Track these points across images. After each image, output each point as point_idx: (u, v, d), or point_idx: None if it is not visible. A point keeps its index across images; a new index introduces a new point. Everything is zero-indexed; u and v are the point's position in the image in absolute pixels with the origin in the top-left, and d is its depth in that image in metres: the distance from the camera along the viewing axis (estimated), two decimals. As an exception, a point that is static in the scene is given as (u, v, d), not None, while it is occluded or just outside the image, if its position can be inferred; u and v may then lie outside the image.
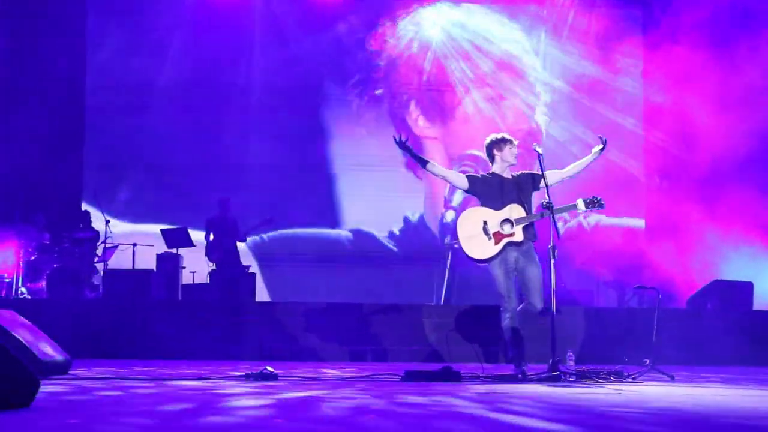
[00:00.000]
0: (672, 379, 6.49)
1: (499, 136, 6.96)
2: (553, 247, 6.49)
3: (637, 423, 3.76)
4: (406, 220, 13.59)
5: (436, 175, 7.06)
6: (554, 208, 6.64)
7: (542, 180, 6.74)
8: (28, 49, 12.39)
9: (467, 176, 7.00)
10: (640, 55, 13.85)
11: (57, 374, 6.10)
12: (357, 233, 13.49)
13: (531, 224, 6.74)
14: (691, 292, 11.15)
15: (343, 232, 13.51)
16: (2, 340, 3.89)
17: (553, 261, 6.47)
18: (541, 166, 6.68)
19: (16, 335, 5.82)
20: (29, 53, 12.32)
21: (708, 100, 12.54)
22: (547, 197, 6.56)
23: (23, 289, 10.96)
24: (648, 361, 6.79)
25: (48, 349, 6.23)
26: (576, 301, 10.41)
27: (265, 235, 12.80)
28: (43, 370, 5.69)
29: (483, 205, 6.85)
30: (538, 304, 6.68)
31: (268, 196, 13.07)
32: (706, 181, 12.74)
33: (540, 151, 6.69)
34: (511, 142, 6.89)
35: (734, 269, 11.83)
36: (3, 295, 10.59)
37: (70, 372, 6.33)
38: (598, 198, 6.78)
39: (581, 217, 12.70)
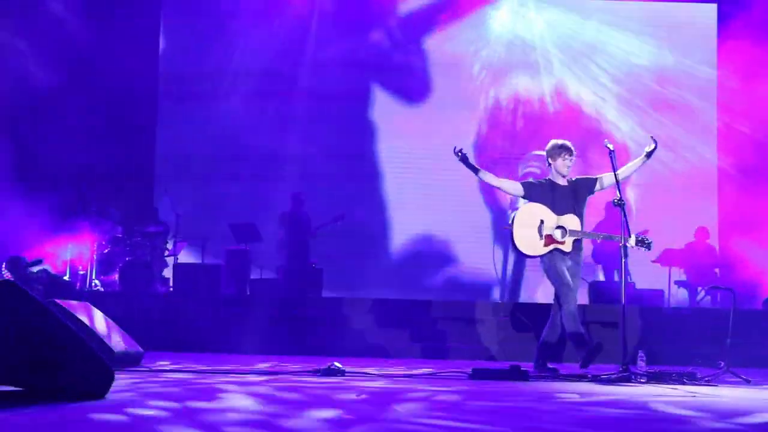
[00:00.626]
0: (748, 382, 6.33)
1: (558, 143, 7.00)
2: (625, 246, 6.42)
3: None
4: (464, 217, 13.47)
5: (491, 185, 7.14)
6: (605, 235, 6.85)
7: (598, 183, 6.96)
8: (102, 43, 12.58)
9: (522, 183, 7.08)
10: (714, 45, 13.55)
11: (130, 366, 6.22)
12: (419, 231, 13.44)
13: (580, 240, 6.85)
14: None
15: (402, 228, 13.46)
16: (79, 331, 3.96)
17: (624, 260, 6.39)
18: (612, 163, 6.64)
19: (91, 327, 5.95)
20: (104, 47, 12.52)
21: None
22: (618, 195, 6.50)
23: (97, 282, 11.19)
24: (723, 363, 6.63)
25: (121, 341, 6.37)
26: (647, 301, 10.22)
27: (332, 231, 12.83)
28: (116, 362, 5.81)
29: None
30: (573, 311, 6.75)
31: (336, 189, 13.10)
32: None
33: (611, 147, 6.68)
34: (567, 152, 6.92)
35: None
36: (78, 287, 10.82)
37: (142, 364, 6.46)
38: (648, 240, 6.75)
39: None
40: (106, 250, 11.27)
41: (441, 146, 12.41)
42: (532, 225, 6.81)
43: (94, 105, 12.40)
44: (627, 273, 6.60)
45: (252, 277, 11.58)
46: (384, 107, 13.63)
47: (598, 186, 6.98)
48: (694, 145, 13.26)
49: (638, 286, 10.71)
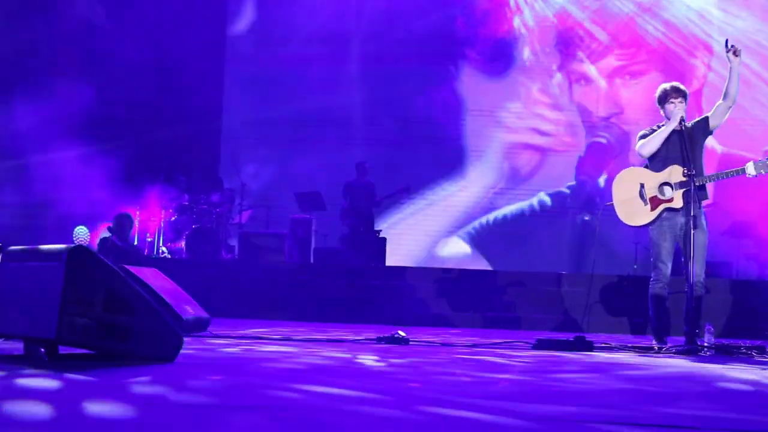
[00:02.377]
0: (820, 356, 6.17)
1: (665, 86, 6.55)
2: (694, 217, 6.25)
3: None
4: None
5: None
6: (721, 173, 6.38)
7: (711, 120, 6.41)
8: (171, 19, 12.74)
9: (639, 135, 6.64)
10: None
11: (197, 331, 6.34)
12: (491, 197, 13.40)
13: (695, 188, 6.21)
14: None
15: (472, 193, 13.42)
16: (148, 296, 4.04)
17: (693, 231, 6.23)
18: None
19: (159, 293, 6.07)
20: (173, 23, 12.67)
21: None
22: (690, 166, 6.27)
23: (164, 249, 11.41)
24: (793, 336, 6.49)
25: (188, 307, 6.48)
26: (715, 273, 10.04)
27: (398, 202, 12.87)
28: (184, 327, 5.92)
29: (647, 163, 6.56)
30: (695, 276, 6.25)
31: (402, 157, 13.12)
32: None
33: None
34: (673, 94, 6.46)
35: None
36: (146, 254, 11.05)
37: (209, 330, 6.57)
38: None
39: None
40: (173, 218, 11.46)
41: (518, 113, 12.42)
42: (632, 193, 6.46)
43: (163, 73, 12.58)
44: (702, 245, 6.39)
45: (315, 245, 11.68)
46: (466, 79, 13.57)
47: (713, 122, 6.42)
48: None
49: (706, 257, 10.52)
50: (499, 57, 13.51)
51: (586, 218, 12.22)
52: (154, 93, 12.62)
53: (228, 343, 5.62)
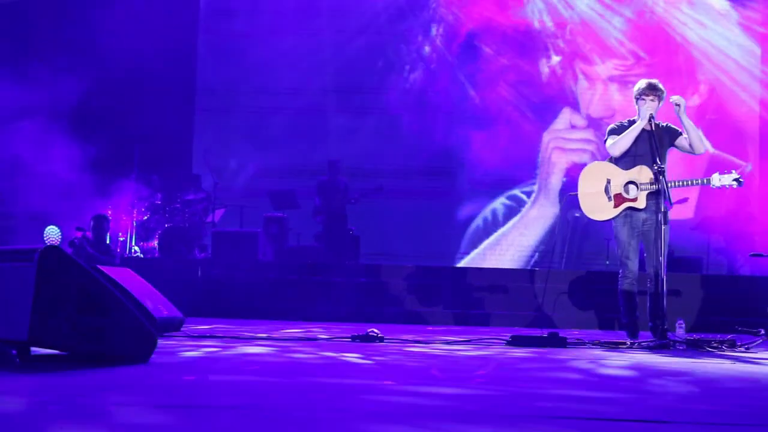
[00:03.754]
0: (788, 350, 6.26)
1: (642, 83, 6.54)
2: (665, 213, 6.31)
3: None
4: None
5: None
6: (687, 180, 6.45)
7: (680, 137, 6.44)
8: (138, 15, 12.65)
9: (609, 129, 6.68)
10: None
11: (171, 331, 6.31)
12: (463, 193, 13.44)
13: (666, 184, 6.23)
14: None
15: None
16: (121, 296, 4.02)
17: (664, 227, 6.29)
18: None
19: (132, 293, 6.03)
20: (139, 20, 12.58)
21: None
22: (659, 162, 6.33)
23: (136, 248, 11.34)
24: (762, 331, 6.56)
25: (162, 307, 6.44)
26: (686, 268, 10.14)
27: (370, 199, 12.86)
28: (157, 327, 5.89)
29: (616, 158, 6.56)
30: (660, 271, 6.25)
31: (376, 161, 13.12)
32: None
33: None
34: (646, 92, 6.46)
35: None
36: (118, 252, 10.98)
37: (182, 329, 6.55)
38: (737, 174, 6.36)
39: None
40: (146, 217, 11.39)
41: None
42: (598, 187, 6.49)
43: (135, 75, 12.49)
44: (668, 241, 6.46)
45: (289, 244, 11.66)
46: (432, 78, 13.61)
47: (678, 144, 6.46)
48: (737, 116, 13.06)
49: (677, 253, 10.64)
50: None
51: (576, 215, 12.30)
52: (125, 88, 12.52)
53: (202, 343, 5.61)
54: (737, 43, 13.16)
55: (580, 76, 13.37)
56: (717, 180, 6.39)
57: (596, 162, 6.69)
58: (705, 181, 6.47)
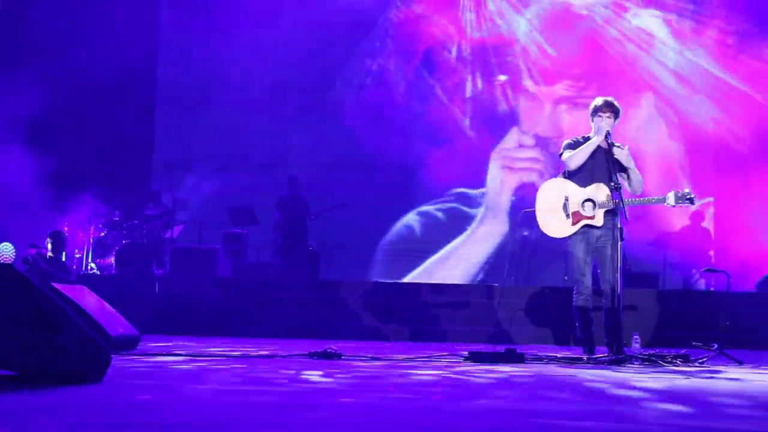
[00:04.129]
0: (740, 364, 6.36)
1: (599, 101, 6.67)
2: (621, 229, 6.39)
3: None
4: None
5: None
6: (643, 199, 6.57)
7: (627, 161, 6.58)
8: (100, 29, 12.56)
9: (565, 144, 6.76)
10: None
11: (126, 350, 6.24)
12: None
13: (621, 201, 6.33)
14: (760, 276, 10.92)
15: (410, 216, 13.46)
16: (75, 314, 3.97)
17: (620, 243, 6.37)
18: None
19: (87, 311, 5.96)
20: (101, 34, 12.49)
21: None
22: (614, 179, 6.42)
23: (93, 265, 11.22)
24: (716, 345, 6.66)
25: (117, 325, 6.37)
26: (642, 284, 10.26)
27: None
28: (113, 346, 5.82)
29: (571, 174, 6.65)
30: (621, 287, 6.35)
31: (337, 176, 13.13)
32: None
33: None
34: (603, 110, 6.59)
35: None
36: (74, 269, 10.85)
37: (138, 348, 6.48)
38: (691, 194, 6.49)
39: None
40: (103, 233, 11.28)
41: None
42: (557, 204, 6.55)
43: (93, 89, 12.38)
44: (623, 256, 6.55)
45: (248, 260, 11.61)
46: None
47: (631, 166, 6.61)
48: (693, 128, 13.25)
49: (633, 269, 10.75)
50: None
51: (525, 233, 12.38)
52: (84, 101, 12.41)
53: (158, 361, 5.55)
54: (687, 64, 13.35)
55: (529, 96, 13.48)
56: (672, 199, 6.51)
57: (554, 179, 6.75)
58: (661, 199, 6.58)
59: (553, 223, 6.60)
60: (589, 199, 6.53)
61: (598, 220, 6.49)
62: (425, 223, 13.29)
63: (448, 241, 13.26)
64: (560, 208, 6.57)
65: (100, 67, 12.18)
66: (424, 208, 13.34)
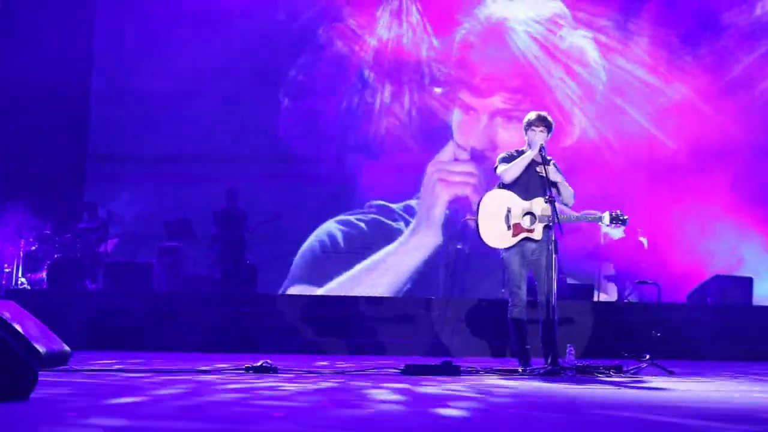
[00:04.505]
0: (671, 374, 6.49)
1: (532, 115, 6.75)
2: (555, 242, 6.47)
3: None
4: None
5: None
6: (579, 215, 6.67)
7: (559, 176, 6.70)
8: (32, 36, 12.33)
9: (500, 158, 6.82)
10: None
11: (56, 366, 6.10)
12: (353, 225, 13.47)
13: (556, 214, 6.41)
14: (691, 287, 11.16)
15: (338, 226, 13.44)
16: (1, 332, 3.88)
17: (555, 256, 6.45)
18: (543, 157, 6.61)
19: (15, 327, 5.82)
20: (34, 41, 12.27)
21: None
22: (549, 193, 6.49)
23: (23, 280, 10.98)
24: (648, 356, 6.78)
25: (48, 341, 6.23)
26: (577, 296, 10.41)
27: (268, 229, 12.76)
28: (42, 362, 5.70)
29: (506, 188, 6.71)
30: (551, 299, 6.45)
31: (272, 188, 13.05)
32: (706, 175, 12.74)
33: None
34: (536, 123, 6.67)
35: (735, 265, 11.89)
36: (2, 284, 10.61)
37: (69, 364, 6.34)
38: (624, 215, 6.64)
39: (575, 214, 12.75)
40: (34, 247, 11.06)
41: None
42: (499, 215, 6.59)
43: (27, 101, 12.16)
44: (558, 268, 6.63)
45: (185, 274, 11.48)
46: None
47: (560, 179, 6.70)
48: (628, 140, 13.47)
49: (569, 281, 10.90)
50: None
51: (458, 246, 12.47)
52: (15, 111, 12.17)
53: (89, 378, 5.45)
54: (617, 80, 13.58)
55: (464, 109, 13.59)
56: (607, 219, 6.66)
57: (498, 190, 6.77)
58: (597, 218, 6.71)
59: (494, 234, 6.64)
60: (529, 212, 6.60)
61: (537, 234, 6.55)
62: (347, 233, 13.27)
63: (372, 251, 13.26)
64: (502, 219, 6.62)
65: (30, 75, 11.97)
66: (343, 216, 13.31)
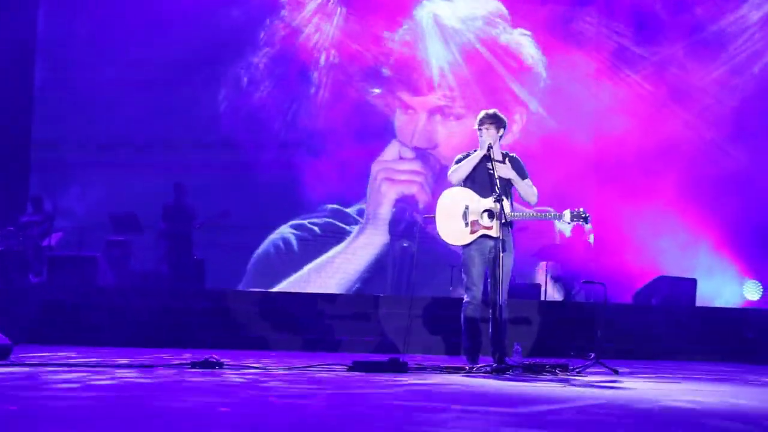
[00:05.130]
0: (616, 373, 6.56)
1: (482, 113, 6.79)
2: (504, 241, 6.52)
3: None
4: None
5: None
6: (540, 214, 6.70)
7: (522, 174, 6.74)
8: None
9: (455, 159, 6.83)
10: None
11: (-2, 359, 6.00)
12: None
13: (503, 212, 6.45)
14: (637, 287, 11.31)
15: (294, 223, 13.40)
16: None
17: (502, 254, 6.49)
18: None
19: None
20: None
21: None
22: (497, 191, 6.52)
23: (-36, 273, 10.76)
24: (593, 354, 6.85)
25: (-12, 334, 6.12)
26: (525, 295, 10.48)
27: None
28: (-18, 356, 5.60)
29: (467, 185, 6.72)
30: (500, 297, 6.52)
31: (221, 180, 12.96)
32: (651, 175, 12.91)
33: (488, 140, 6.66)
34: (485, 122, 6.70)
35: (679, 266, 12.08)
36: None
37: (10, 357, 6.24)
38: (585, 213, 6.67)
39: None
40: (-25, 241, 10.85)
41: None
42: (456, 212, 6.61)
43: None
44: (510, 268, 6.69)
45: (132, 268, 11.33)
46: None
47: (519, 177, 6.74)
48: (574, 140, 13.59)
49: (516, 279, 10.96)
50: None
51: (405, 245, 12.50)
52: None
53: (31, 372, 5.35)
54: (557, 80, 13.71)
55: (404, 108, 13.61)
56: (568, 216, 6.68)
57: (456, 188, 6.77)
58: (556, 216, 6.74)
59: (452, 231, 6.66)
60: (488, 210, 6.63)
61: (495, 231, 6.55)
62: (301, 236, 13.23)
63: (324, 253, 13.25)
64: (460, 217, 6.64)
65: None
66: (297, 221, 13.27)
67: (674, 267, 11.95)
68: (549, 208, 7.03)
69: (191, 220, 11.56)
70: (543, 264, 12.11)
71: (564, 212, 6.72)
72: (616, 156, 13.39)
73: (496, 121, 6.77)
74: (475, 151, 6.82)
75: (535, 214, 6.83)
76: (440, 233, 6.70)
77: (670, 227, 12.53)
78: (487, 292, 6.75)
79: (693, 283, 10.96)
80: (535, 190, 6.83)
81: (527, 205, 6.92)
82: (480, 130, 6.76)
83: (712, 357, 9.30)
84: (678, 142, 12.99)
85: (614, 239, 12.65)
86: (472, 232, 6.62)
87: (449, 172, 6.79)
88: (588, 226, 6.75)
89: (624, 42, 13.59)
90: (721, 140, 13.17)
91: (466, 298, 6.76)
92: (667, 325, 9.65)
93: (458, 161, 6.82)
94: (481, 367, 6.43)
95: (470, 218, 6.62)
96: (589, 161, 13.49)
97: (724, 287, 12.51)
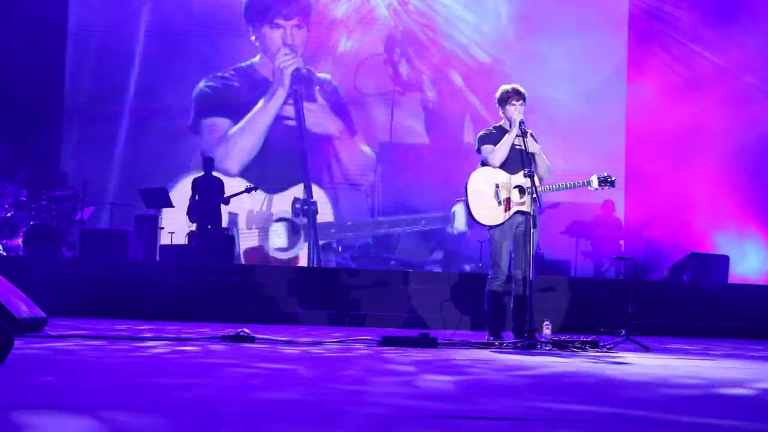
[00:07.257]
0: (647, 350, 6.53)
1: (507, 88, 6.67)
2: (534, 217, 6.48)
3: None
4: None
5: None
6: (568, 183, 6.63)
7: (538, 148, 6.65)
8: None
9: (480, 137, 6.75)
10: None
11: (32, 332, 6.07)
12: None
13: (535, 188, 6.41)
14: (668, 264, 11.23)
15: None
16: (-24, 296, 3.84)
17: (533, 230, 6.45)
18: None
19: (-10, 292, 5.77)
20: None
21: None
22: (529, 167, 6.47)
23: (-1, 246, 10.88)
24: (623, 331, 6.81)
25: (23, 307, 6.19)
26: (554, 271, 10.45)
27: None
28: (18, 328, 5.66)
29: (485, 164, 6.65)
30: (530, 273, 6.43)
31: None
32: (689, 156, 12.80)
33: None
34: (514, 98, 6.60)
35: (713, 242, 11.99)
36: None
37: (45, 330, 6.31)
38: (612, 177, 6.65)
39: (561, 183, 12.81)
40: (10, 214, 10.94)
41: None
42: (488, 192, 6.56)
43: (3, 67, 12.01)
44: (537, 243, 6.65)
45: (162, 243, 11.40)
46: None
47: (537, 150, 6.64)
48: (603, 123, 13.50)
49: (546, 256, 10.93)
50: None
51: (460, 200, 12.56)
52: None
53: (64, 343, 5.41)
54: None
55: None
56: (596, 182, 6.65)
57: (481, 168, 6.70)
58: (584, 183, 6.69)
59: (488, 212, 6.59)
60: (518, 186, 6.59)
61: (527, 206, 6.51)
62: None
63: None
64: (492, 196, 6.59)
65: (7, 48, 11.80)
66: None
67: (706, 246, 11.86)
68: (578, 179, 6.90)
69: (221, 195, 11.56)
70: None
71: (591, 178, 6.69)
72: (649, 132, 13.30)
73: (524, 97, 6.69)
74: (497, 127, 6.75)
75: (563, 184, 6.74)
76: (475, 216, 6.63)
77: (703, 207, 12.42)
78: (511, 268, 6.72)
79: (726, 260, 10.86)
80: (549, 164, 6.76)
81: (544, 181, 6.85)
82: (511, 105, 6.67)
83: (745, 334, 9.23)
84: (712, 121, 12.84)
85: (645, 216, 12.57)
86: (507, 209, 6.56)
87: (488, 156, 6.65)
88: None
89: (666, 18, 13.48)
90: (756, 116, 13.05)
91: (491, 274, 6.72)
92: (698, 302, 9.58)
93: (484, 139, 6.72)
94: (510, 342, 6.41)
95: (502, 196, 6.57)
96: (620, 139, 13.42)
97: (755, 263, 12.42)
